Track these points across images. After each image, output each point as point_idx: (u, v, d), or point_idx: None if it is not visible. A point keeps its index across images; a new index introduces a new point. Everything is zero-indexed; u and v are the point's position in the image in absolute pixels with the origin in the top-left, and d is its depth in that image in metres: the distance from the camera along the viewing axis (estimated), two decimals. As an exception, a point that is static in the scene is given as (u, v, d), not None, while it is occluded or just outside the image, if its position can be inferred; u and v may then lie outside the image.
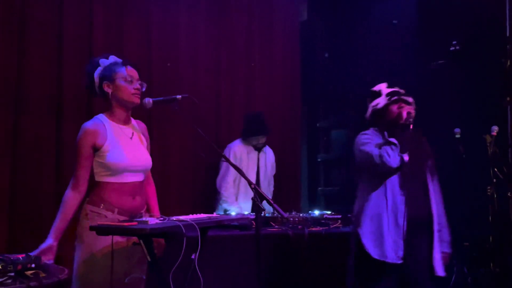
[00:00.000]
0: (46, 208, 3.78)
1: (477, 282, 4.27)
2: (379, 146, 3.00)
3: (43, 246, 2.44)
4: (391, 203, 2.98)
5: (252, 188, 2.49)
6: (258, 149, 4.59)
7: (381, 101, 3.14)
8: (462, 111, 4.61)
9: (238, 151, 4.52)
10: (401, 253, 2.94)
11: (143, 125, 2.86)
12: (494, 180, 4.04)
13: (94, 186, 2.60)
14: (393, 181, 3.01)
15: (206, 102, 4.84)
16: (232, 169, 4.34)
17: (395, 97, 3.10)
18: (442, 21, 4.96)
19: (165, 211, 2.90)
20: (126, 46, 4.36)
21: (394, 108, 3.10)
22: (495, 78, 4.49)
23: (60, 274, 1.89)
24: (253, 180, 4.55)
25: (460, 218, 4.46)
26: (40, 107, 3.90)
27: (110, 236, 2.37)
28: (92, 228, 2.27)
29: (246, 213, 4.28)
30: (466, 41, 4.78)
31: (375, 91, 3.19)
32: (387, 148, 2.96)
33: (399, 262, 2.94)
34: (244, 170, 4.51)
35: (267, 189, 4.67)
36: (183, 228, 2.30)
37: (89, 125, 2.61)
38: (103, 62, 2.68)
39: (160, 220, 2.38)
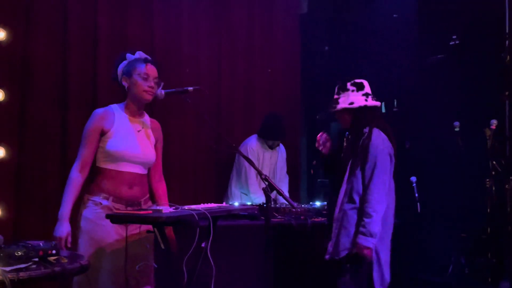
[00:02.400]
0: (51, 191, 3.85)
1: (474, 273, 4.35)
2: None
3: (64, 231, 2.51)
4: None
5: (263, 179, 2.55)
6: (272, 148, 4.72)
7: None
8: (461, 105, 4.67)
9: (255, 148, 4.63)
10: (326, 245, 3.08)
11: (157, 125, 2.94)
12: (493, 172, 4.12)
13: (93, 174, 2.69)
14: None
15: (207, 94, 4.87)
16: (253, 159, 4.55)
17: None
18: (442, 15, 5.01)
19: (168, 200, 2.95)
20: (129, 34, 4.39)
21: None
22: (494, 72, 4.56)
23: (81, 260, 1.92)
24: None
25: (458, 209, 4.55)
26: (46, 93, 3.94)
27: (110, 225, 2.46)
28: (108, 216, 2.31)
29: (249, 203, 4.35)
30: (465, 36, 4.83)
31: None
32: None
33: (326, 257, 3.06)
34: (259, 167, 4.64)
35: (279, 185, 4.76)
36: (196, 217, 2.34)
37: (99, 111, 2.74)
38: (129, 57, 2.79)
39: (174, 209, 2.42)
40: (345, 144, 3.13)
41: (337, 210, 3.02)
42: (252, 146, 4.62)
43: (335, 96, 3.16)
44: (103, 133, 2.66)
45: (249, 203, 4.35)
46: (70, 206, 2.58)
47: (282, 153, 4.83)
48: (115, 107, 2.77)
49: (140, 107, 2.80)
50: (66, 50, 4.05)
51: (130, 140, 2.70)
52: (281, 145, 4.79)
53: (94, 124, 2.67)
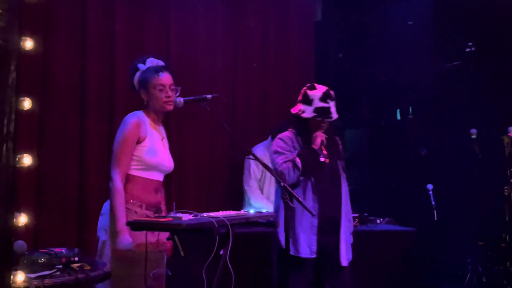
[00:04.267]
0: (71, 198, 3.93)
1: (492, 282, 4.31)
2: (285, 162, 3.12)
3: (130, 243, 2.46)
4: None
5: (281, 187, 2.55)
6: None
7: (307, 112, 3.19)
8: (478, 112, 4.65)
9: (262, 154, 4.58)
10: (314, 249, 3.10)
11: (164, 130, 2.92)
12: (511, 180, 4.09)
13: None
14: (307, 184, 3.13)
15: (225, 101, 4.89)
16: (255, 169, 4.62)
17: (320, 118, 3.18)
18: (458, 22, 5.00)
19: (183, 207, 2.96)
20: (146, 42, 4.46)
21: (317, 124, 3.19)
22: (510, 79, 4.53)
23: (104, 267, 1.94)
24: (273, 183, 4.63)
25: (475, 217, 4.52)
26: (65, 100, 4.00)
27: (143, 232, 2.43)
28: (128, 223, 2.32)
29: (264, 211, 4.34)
30: (481, 42, 4.81)
31: (307, 96, 3.22)
32: (290, 167, 3.08)
33: (313, 256, 3.10)
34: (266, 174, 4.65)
35: None
36: (215, 224, 2.35)
37: (134, 118, 2.66)
38: (141, 67, 2.74)
39: (193, 216, 2.43)
40: (323, 147, 3.18)
41: (345, 213, 3.18)
42: (259, 152, 4.54)
43: (325, 105, 3.19)
44: (139, 141, 2.63)
45: (264, 211, 4.33)
46: (125, 217, 2.51)
47: None
48: (141, 114, 2.72)
49: (160, 116, 2.79)
50: (84, 58, 4.11)
51: (160, 148, 2.72)
52: None
53: (133, 132, 2.62)
